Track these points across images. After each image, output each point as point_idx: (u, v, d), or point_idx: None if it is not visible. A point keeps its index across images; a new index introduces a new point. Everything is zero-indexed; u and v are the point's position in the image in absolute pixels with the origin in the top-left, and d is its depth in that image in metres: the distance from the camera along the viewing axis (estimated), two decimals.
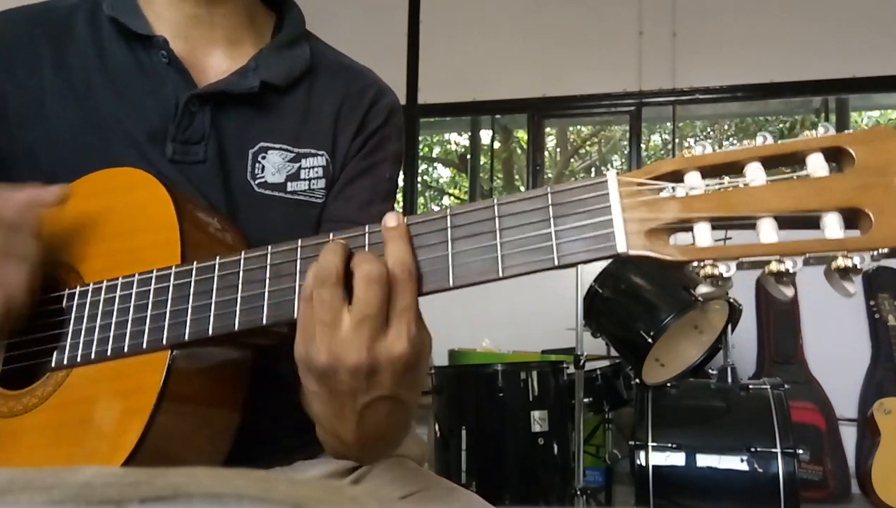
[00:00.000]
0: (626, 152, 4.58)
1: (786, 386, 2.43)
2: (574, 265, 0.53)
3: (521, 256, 0.55)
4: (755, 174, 0.49)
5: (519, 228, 0.56)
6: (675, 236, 0.51)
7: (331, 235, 0.62)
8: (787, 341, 3.53)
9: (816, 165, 0.48)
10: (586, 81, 4.16)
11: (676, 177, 0.51)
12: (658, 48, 4.05)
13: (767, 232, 0.48)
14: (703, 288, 0.50)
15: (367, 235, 0.61)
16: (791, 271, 0.46)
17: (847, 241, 0.46)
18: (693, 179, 0.51)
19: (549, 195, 0.56)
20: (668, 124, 4.46)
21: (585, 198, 0.54)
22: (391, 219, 0.59)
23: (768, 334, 3.57)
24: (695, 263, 0.49)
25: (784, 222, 0.49)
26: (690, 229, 0.50)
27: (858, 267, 0.45)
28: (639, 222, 0.51)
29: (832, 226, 0.47)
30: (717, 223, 0.49)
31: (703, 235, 0.49)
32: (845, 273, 0.45)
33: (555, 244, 0.54)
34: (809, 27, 3.85)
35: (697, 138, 6.64)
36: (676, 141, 4.50)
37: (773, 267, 0.46)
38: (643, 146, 5.04)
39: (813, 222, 0.48)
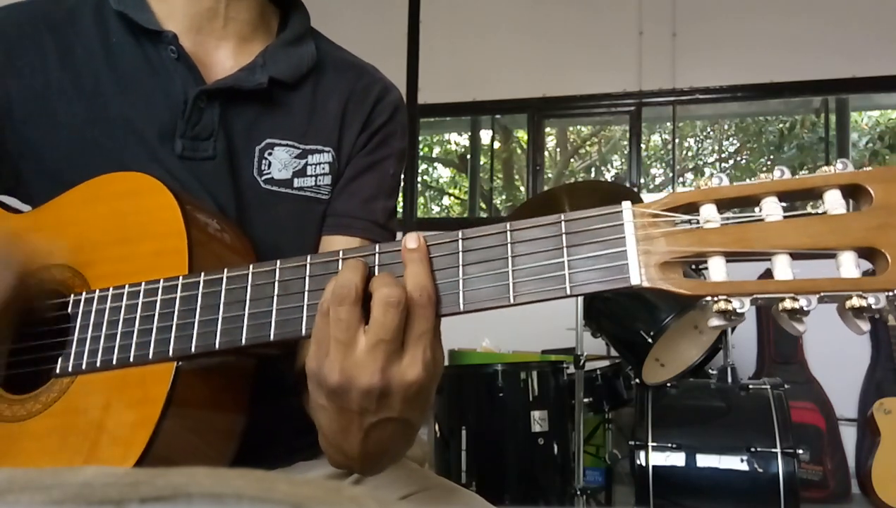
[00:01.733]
0: (626, 152, 4.57)
1: (786, 386, 2.43)
2: (586, 294, 0.53)
3: (533, 284, 0.55)
4: (771, 209, 0.48)
5: (531, 255, 0.56)
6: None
7: (340, 253, 0.62)
8: (787, 341, 3.54)
9: (834, 202, 0.48)
10: (586, 81, 4.15)
11: (692, 208, 0.51)
12: (658, 48, 4.04)
13: (783, 268, 0.47)
14: (714, 321, 0.49)
15: (377, 255, 0.60)
16: (805, 309, 0.46)
17: (863, 282, 0.45)
18: (709, 212, 0.50)
19: (563, 223, 0.55)
20: (668, 124, 4.45)
21: (600, 228, 0.54)
22: (412, 241, 0.58)
23: (768, 334, 3.57)
24: (708, 298, 0.49)
25: (799, 254, 0.49)
26: (705, 263, 0.50)
27: (874, 307, 0.45)
28: (653, 254, 0.51)
29: (848, 264, 0.46)
30: (732, 258, 0.49)
31: (718, 269, 0.49)
32: (859, 312, 0.45)
33: (567, 273, 0.54)
34: (809, 27, 3.84)
35: (697, 138, 6.64)
36: (676, 141, 4.50)
37: (787, 304, 0.46)
38: (643, 146, 5.03)
39: (828, 255, 0.48)
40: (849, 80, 3.84)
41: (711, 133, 6.59)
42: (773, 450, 2.25)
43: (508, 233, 0.57)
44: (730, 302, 0.48)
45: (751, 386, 2.47)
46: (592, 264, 0.54)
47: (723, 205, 0.51)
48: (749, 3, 3.95)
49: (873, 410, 3.13)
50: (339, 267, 0.61)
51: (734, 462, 2.30)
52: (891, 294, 0.44)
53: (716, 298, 0.49)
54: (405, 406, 0.58)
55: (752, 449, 2.26)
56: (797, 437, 2.30)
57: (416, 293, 0.56)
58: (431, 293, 0.57)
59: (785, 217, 0.48)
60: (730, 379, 2.58)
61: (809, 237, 0.47)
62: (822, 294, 0.46)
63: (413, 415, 0.60)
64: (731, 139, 6.60)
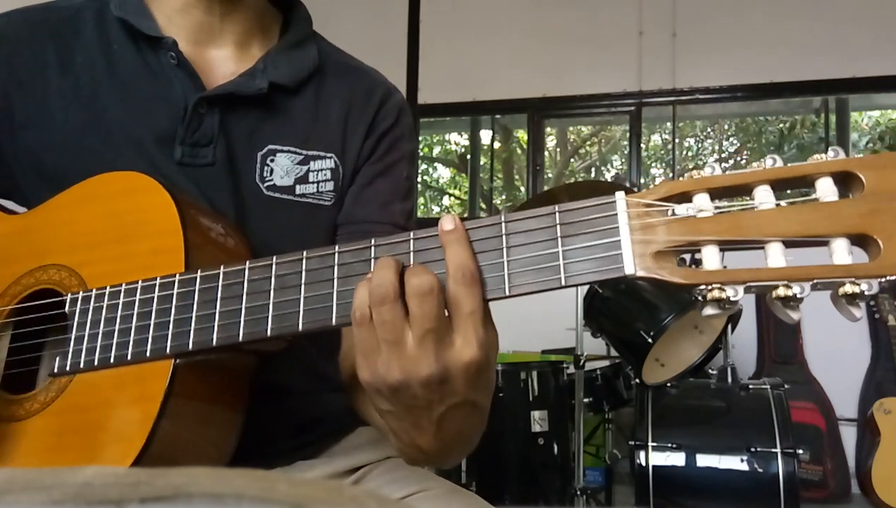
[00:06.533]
0: (626, 152, 4.58)
1: (786, 386, 2.43)
2: (581, 285, 0.53)
3: (528, 275, 0.55)
4: (764, 197, 0.49)
5: (526, 247, 0.56)
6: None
7: (372, 242, 0.61)
8: (787, 341, 3.53)
9: (825, 189, 0.48)
10: (586, 81, 4.16)
11: (685, 198, 0.51)
12: (658, 48, 4.04)
13: (775, 256, 0.48)
14: (709, 310, 0.50)
15: (411, 241, 0.59)
16: (799, 296, 0.46)
17: (856, 268, 0.45)
18: (702, 201, 0.50)
19: (557, 214, 0.55)
20: (668, 124, 4.47)
21: (593, 219, 0.54)
22: (448, 223, 0.57)
23: (768, 334, 3.57)
24: (702, 286, 0.49)
25: (791, 242, 0.49)
26: (698, 251, 0.50)
27: (866, 293, 0.45)
28: (647, 244, 0.51)
29: (840, 251, 0.46)
30: (726, 246, 0.49)
31: (712, 258, 0.49)
32: (852, 298, 0.45)
33: (562, 264, 0.54)
34: (809, 27, 3.85)
35: (697, 138, 6.64)
36: (676, 141, 4.50)
37: (781, 291, 0.46)
38: (643, 146, 5.04)
39: (821, 242, 0.48)
40: (849, 80, 3.84)
41: (711, 133, 6.59)
42: (773, 450, 2.25)
43: (504, 225, 0.57)
44: (724, 290, 0.48)
45: (751, 386, 2.47)
46: (587, 254, 0.54)
47: (716, 194, 0.51)
48: (749, 3, 3.95)
49: (873, 410, 3.12)
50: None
51: (734, 462, 2.30)
52: (883, 280, 0.45)
53: (710, 286, 0.49)
54: (468, 388, 0.57)
55: (752, 449, 2.26)
56: (797, 437, 2.30)
57: (459, 274, 0.55)
58: (474, 271, 0.56)
59: (777, 204, 0.48)
60: (730, 379, 2.58)
61: (802, 224, 0.47)
62: (815, 281, 0.46)
63: (478, 396, 0.59)
64: (731, 139, 6.61)
